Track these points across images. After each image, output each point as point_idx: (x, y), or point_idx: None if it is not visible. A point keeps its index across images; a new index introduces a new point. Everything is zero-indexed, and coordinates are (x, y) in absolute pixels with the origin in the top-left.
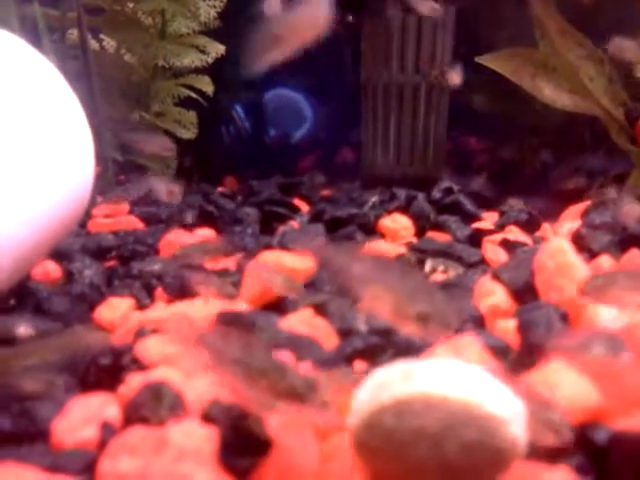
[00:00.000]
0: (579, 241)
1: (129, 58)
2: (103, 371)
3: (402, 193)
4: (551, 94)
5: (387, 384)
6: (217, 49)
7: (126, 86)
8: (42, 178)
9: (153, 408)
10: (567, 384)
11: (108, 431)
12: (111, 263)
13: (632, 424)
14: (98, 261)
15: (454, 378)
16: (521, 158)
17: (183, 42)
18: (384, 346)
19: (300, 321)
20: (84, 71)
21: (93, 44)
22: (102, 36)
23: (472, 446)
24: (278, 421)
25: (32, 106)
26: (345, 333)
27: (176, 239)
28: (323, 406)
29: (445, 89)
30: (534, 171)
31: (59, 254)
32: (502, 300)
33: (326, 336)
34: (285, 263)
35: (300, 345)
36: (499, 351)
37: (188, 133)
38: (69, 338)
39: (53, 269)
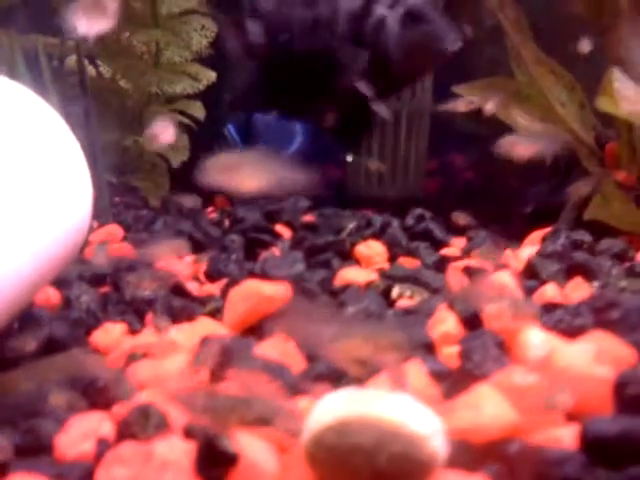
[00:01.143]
0: (530, 269)
1: (124, 84)
2: (99, 392)
3: (378, 220)
4: (524, 122)
5: (332, 407)
6: (208, 76)
7: (121, 111)
8: (41, 215)
9: (142, 426)
10: (490, 405)
11: (103, 445)
12: (106, 289)
13: (539, 438)
14: (94, 287)
15: (385, 403)
16: (497, 180)
17: (176, 70)
18: (344, 371)
19: (273, 347)
20: (81, 97)
21: (90, 70)
22: (99, 62)
23: (399, 458)
24: (245, 438)
25: (31, 146)
26: (312, 358)
27: (166, 267)
28: (286, 427)
29: (425, 115)
30: (509, 194)
31: (59, 281)
32: (452, 327)
33: (295, 361)
34: (263, 292)
35: (271, 370)
36: (440, 376)
37: (181, 156)
38: (68, 361)
39: (53, 295)
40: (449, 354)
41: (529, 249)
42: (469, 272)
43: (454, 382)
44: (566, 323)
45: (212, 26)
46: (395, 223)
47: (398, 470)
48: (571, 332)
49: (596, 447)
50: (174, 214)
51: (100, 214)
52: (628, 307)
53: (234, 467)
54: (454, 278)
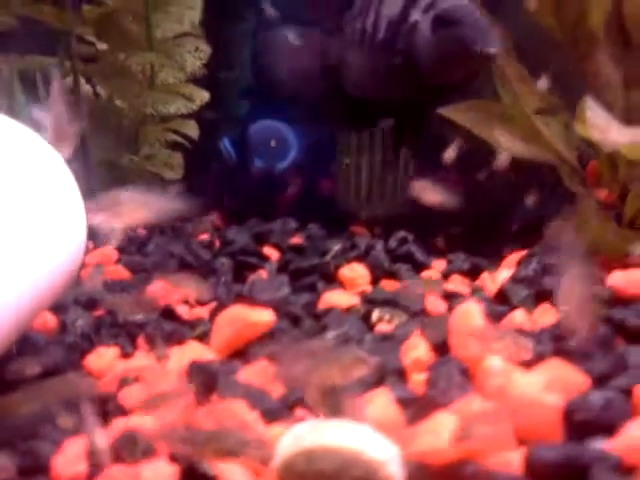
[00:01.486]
0: (501, 294)
1: (120, 104)
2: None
3: (363, 242)
4: (507, 143)
5: (300, 437)
6: (202, 96)
7: (117, 130)
8: (39, 245)
9: (130, 451)
10: (450, 430)
11: (96, 468)
12: (100, 312)
13: (491, 462)
14: (89, 311)
15: (346, 433)
16: (485, 197)
17: (170, 91)
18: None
19: (256, 372)
20: (77, 116)
21: (87, 90)
22: (96, 83)
23: None
24: (223, 463)
25: (27, 180)
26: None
27: (157, 291)
28: (257, 456)
29: None
30: (497, 210)
31: (56, 305)
32: (424, 354)
33: (275, 386)
34: (248, 318)
35: (252, 395)
36: (406, 402)
37: (175, 174)
38: (63, 385)
39: (50, 319)
40: (418, 381)
41: (505, 272)
42: (445, 296)
43: (418, 409)
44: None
45: (206, 48)
46: (379, 245)
47: None
48: (531, 360)
49: (539, 472)
50: (168, 233)
51: (96, 235)
52: (582, 336)
53: None
54: (431, 302)
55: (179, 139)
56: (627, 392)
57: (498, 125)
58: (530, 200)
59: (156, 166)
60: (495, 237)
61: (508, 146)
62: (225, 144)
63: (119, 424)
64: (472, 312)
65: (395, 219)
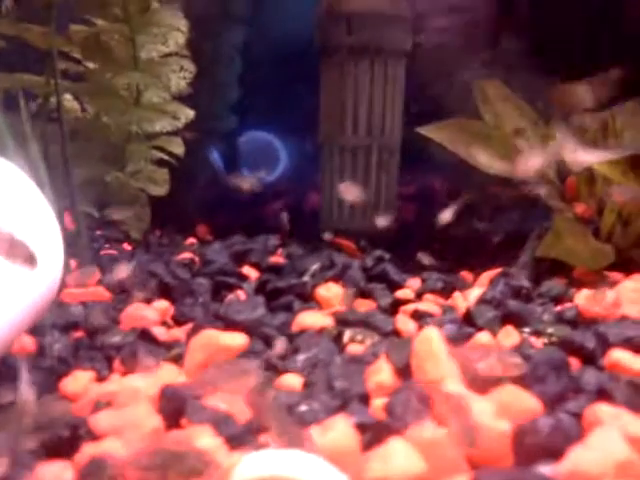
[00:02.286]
0: (468, 315)
1: (107, 121)
2: (63, 441)
3: (340, 260)
4: (484, 161)
5: (252, 465)
6: (187, 114)
7: (104, 147)
8: (16, 274)
9: (98, 476)
10: (400, 457)
11: None
12: (79, 334)
13: None
14: (67, 334)
15: (295, 463)
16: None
17: (156, 109)
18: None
19: (224, 397)
20: (60, 134)
21: (75, 107)
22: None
23: None
24: None
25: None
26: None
27: (135, 312)
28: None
29: (394, 150)
30: (472, 230)
31: (34, 328)
32: (387, 378)
33: (241, 412)
34: (220, 341)
35: (218, 421)
36: (365, 428)
37: (160, 190)
38: (38, 410)
39: (28, 343)
40: (378, 406)
41: (477, 291)
42: (416, 316)
43: (375, 434)
44: (484, 374)
45: (190, 67)
46: (355, 264)
47: None
48: (488, 383)
49: None
50: (154, 249)
51: (78, 254)
52: (537, 360)
53: None
54: (402, 322)
55: (165, 156)
56: (578, 415)
57: (476, 143)
58: (512, 215)
59: (141, 182)
60: (477, 253)
61: (485, 163)
62: (214, 157)
63: (89, 449)
64: (433, 337)
65: (379, 234)
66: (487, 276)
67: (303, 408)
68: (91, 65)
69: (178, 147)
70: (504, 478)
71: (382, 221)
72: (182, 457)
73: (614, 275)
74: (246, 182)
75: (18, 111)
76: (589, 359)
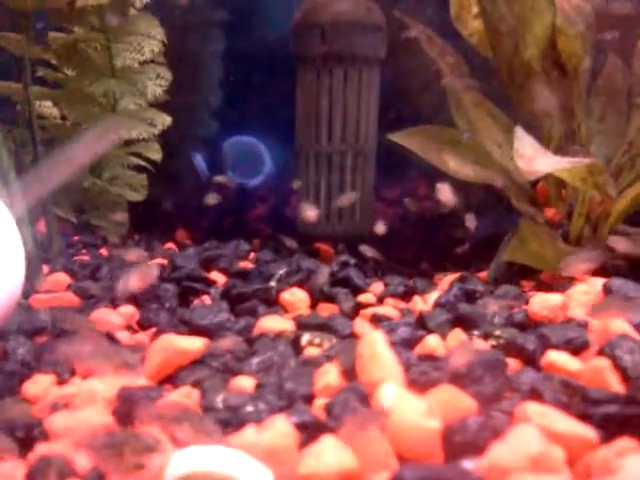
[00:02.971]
0: (421, 319)
1: (82, 127)
2: (19, 441)
3: (306, 265)
4: (455, 166)
5: (185, 460)
6: (164, 120)
7: None
8: None
9: (45, 474)
10: (331, 454)
11: None
12: (43, 339)
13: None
14: (31, 338)
15: (223, 458)
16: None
17: (133, 116)
18: (231, 421)
19: (180, 396)
20: (31, 140)
21: (55, 114)
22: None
23: None
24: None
25: None
26: (208, 409)
27: (100, 317)
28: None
29: (369, 156)
30: (456, 227)
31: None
32: (334, 380)
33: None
34: (178, 345)
35: (168, 420)
36: (304, 427)
37: (138, 195)
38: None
39: None
40: (319, 405)
41: (436, 294)
42: (374, 320)
43: (312, 433)
44: (427, 375)
45: (167, 74)
46: (323, 268)
47: None
48: (427, 384)
49: None
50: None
51: (51, 259)
52: (474, 362)
53: None
54: (360, 326)
55: (142, 162)
56: (509, 413)
57: (446, 150)
58: (486, 219)
59: (119, 187)
60: (454, 256)
61: (456, 170)
62: (197, 160)
63: (41, 449)
64: (376, 340)
65: (354, 238)
66: (448, 280)
67: (249, 409)
68: (69, 72)
69: (155, 153)
70: (426, 473)
71: (380, 228)
72: (136, 436)
73: (582, 277)
74: (223, 179)
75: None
76: (530, 360)
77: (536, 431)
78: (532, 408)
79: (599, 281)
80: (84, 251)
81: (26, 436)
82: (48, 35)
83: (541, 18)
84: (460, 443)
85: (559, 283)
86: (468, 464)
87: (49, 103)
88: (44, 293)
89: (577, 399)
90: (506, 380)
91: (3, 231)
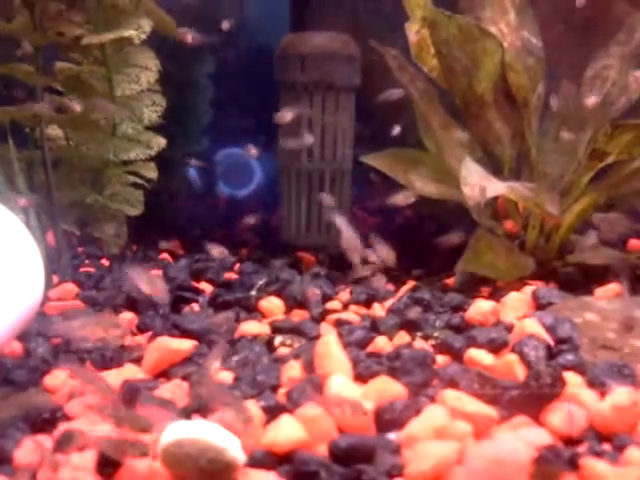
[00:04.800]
0: (375, 323)
1: (86, 150)
2: (45, 422)
3: (284, 276)
4: (420, 185)
5: (175, 430)
6: (159, 143)
7: (85, 173)
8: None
9: (67, 444)
10: (287, 428)
11: (46, 455)
12: (57, 341)
13: (316, 450)
14: (48, 340)
15: (204, 430)
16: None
17: (131, 139)
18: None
19: (171, 387)
20: (42, 161)
21: (60, 135)
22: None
23: (213, 461)
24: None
25: None
26: (194, 397)
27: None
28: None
29: (346, 173)
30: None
31: (22, 335)
32: (297, 373)
33: (182, 399)
34: (170, 346)
35: (162, 404)
36: (269, 409)
37: (135, 210)
38: (25, 400)
39: (17, 347)
40: (282, 393)
41: (391, 302)
42: (337, 324)
43: (275, 413)
44: (370, 369)
45: (162, 101)
46: (297, 278)
47: (214, 467)
48: (370, 375)
49: (334, 453)
50: (127, 264)
51: (60, 270)
52: (406, 357)
53: (120, 468)
54: (324, 329)
55: (139, 180)
56: (432, 398)
57: (412, 169)
58: (458, 228)
59: (118, 203)
60: (423, 264)
61: (421, 188)
62: (191, 172)
63: (63, 426)
64: (330, 341)
65: (332, 247)
66: (405, 289)
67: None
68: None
69: (151, 172)
70: (355, 440)
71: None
72: (137, 417)
73: (535, 284)
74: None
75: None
76: (456, 356)
77: (442, 410)
78: (449, 393)
79: (530, 289)
80: (88, 262)
81: (51, 417)
82: (55, 65)
83: (492, 57)
84: (388, 420)
85: (513, 288)
86: (391, 435)
87: (54, 126)
88: (56, 301)
89: (489, 387)
90: (432, 372)
91: (26, 249)
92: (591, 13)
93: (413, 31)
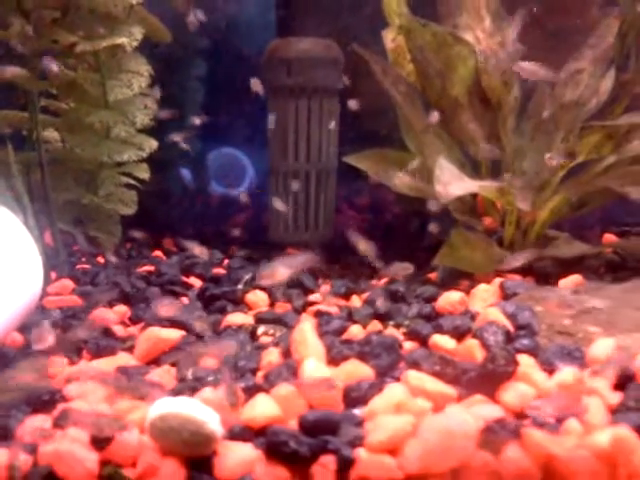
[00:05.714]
0: (350, 313)
1: (81, 152)
2: (45, 403)
3: None
4: (397, 183)
5: (161, 406)
6: (151, 145)
7: (80, 175)
8: (5, 286)
9: (64, 421)
10: (262, 405)
11: (44, 433)
12: (56, 332)
13: (289, 424)
14: None
15: (185, 406)
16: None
17: (124, 142)
18: (197, 387)
19: (161, 372)
20: (38, 163)
21: (57, 138)
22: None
23: (194, 433)
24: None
25: None
26: (181, 380)
27: (99, 314)
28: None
29: (331, 173)
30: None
31: (22, 327)
32: (275, 358)
33: (170, 382)
34: (160, 335)
35: (152, 386)
36: (248, 389)
37: (129, 209)
38: (27, 384)
39: (18, 338)
40: (261, 376)
41: (371, 293)
42: (317, 314)
43: (253, 393)
44: (342, 354)
45: (153, 105)
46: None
47: (195, 439)
48: (342, 359)
49: (303, 426)
50: (122, 262)
51: (57, 267)
52: (374, 343)
53: (111, 442)
54: (304, 319)
55: (132, 181)
56: (397, 379)
57: (393, 169)
58: (434, 227)
59: (112, 203)
60: (407, 259)
61: (400, 186)
62: (183, 171)
63: (60, 407)
64: (306, 329)
65: (318, 244)
66: (383, 282)
67: (210, 379)
68: (69, 104)
69: (144, 172)
70: (322, 415)
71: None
72: (135, 386)
73: (512, 277)
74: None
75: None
76: (422, 342)
77: (402, 388)
78: (412, 374)
79: (498, 281)
80: (83, 259)
81: (50, 399)
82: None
83: (465, 62)
84: (355, 398)
85: (489, 281)
86: (356, 411)
87: (51, 129)
88: (53, 296)
89: (449, 368)
90: (399, 356)
91: (25, 248)
92: (566, 19)
93: (389, 39)
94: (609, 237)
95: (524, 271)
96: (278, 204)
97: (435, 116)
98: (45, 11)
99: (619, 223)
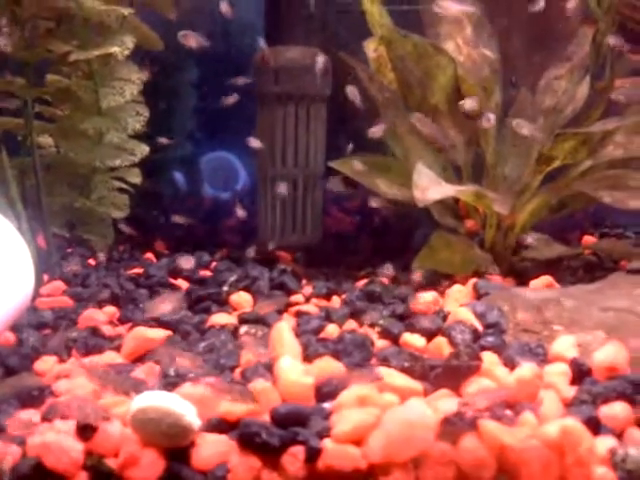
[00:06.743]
0: (328, 313)
1: (74, 158)
2: (34, 398)
3: (254, 272)
4: (384, 188)
5: (140, 401)
6: (142, 150)
7: (73, 179)
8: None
9: (53, 414)
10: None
11: (33, 428)
12: (47, 331)
13: (262, 417)
14: (38, 331)
15: (164, 399)
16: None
17: (116, 147)
18: (178, 382)
19: (145, 369)
20: (33, 168)
21: (50, 143)
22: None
23: (172, 425)
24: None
25: None
26: (164, 376)
27: (89, 315)
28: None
29: (318, 178)
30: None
31: (15, 327)
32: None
33: (153, 378)
34: (146, 335)
35: (135, 383)
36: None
37: (121, 213)
38: (18, 381)
39: (10, 337)
40: (239, 372)
41: (349, 294)
42: (298, 314)
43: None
44: (317, 351)
45: (145, 111)
46: (265, 275)
47: (173, 431)
48: (316, 357)
49: (275, 419)
50: (113, 264)
51: (50, 269)
52: (347, 341)
53: (96, 433)
54: (285, 319)
55: (124, 185)
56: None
57: (378, 175)
58: (420, 231)
59: (105, 207)
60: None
61: (385, 191)
62: (175, 175)
63: (49, 402)
64: (283, 328)
65: (305, 247)
66: (363, 283)
67: (191, 375)
68: (63, 110)
69: (135, 177)
70: (293, 408)
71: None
72: (122, 380)
73: (493, 278)
74: None
75: None
76: (394, 340)
77: (370, 383)
78: (382, 370)
79: (472, 281)
80: (76, 262)
81: (39, 395)
82: (46, 78)
83: (444, 71)
84: (326, 392)
85: (464, 283)
86: (326, 405)
87: (45, 135)
88: (46, 297)
89: (417, 364)
90: (370, 353)
91: (17, 250)
92: (546, 27)
93: (371, 49)
94: (588, 239)
95: (505, 272)
96: (267, 208)
97: (418, 117)
98: (40, 21)
99: (600, 225)
